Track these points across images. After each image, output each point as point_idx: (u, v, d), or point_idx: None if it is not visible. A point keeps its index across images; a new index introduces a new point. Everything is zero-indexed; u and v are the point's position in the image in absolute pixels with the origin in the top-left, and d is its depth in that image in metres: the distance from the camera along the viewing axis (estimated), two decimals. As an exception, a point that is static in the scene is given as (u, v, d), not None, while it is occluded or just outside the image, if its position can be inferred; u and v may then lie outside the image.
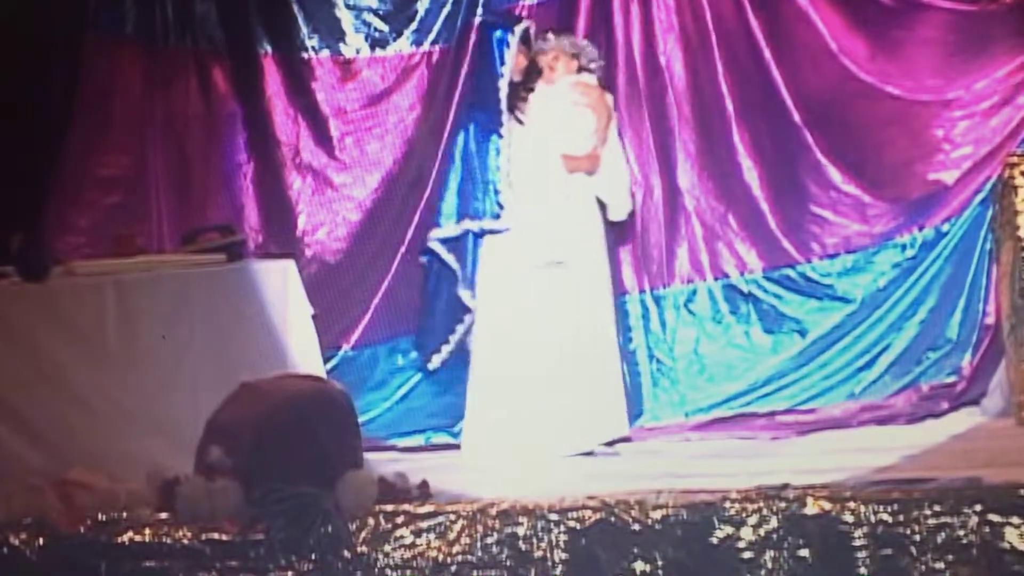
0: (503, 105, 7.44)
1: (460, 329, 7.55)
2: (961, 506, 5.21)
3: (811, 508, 5.26)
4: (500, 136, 7.43)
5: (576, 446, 7.35)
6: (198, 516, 5.44)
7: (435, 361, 7.68)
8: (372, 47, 8.19)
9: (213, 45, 8.18)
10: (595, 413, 7.42)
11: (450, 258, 7.49)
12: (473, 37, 7.99)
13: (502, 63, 7.45)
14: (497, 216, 7.42)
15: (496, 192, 7.41)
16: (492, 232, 7.44)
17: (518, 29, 7.51)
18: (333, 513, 5.38)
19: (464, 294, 7.49)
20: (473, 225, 7.46)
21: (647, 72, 8.02)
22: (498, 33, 7.49)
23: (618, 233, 7.87)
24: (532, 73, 7.58)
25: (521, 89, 7.53)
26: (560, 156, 7.50)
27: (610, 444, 7.44)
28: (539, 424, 7.33)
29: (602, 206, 7.64)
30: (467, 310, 7.51)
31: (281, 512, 5.38)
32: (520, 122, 7.51)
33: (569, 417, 7.35)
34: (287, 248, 7.87)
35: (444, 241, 7.50)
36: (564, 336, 7.40)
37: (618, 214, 7.71)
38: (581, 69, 7.68)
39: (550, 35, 7.68)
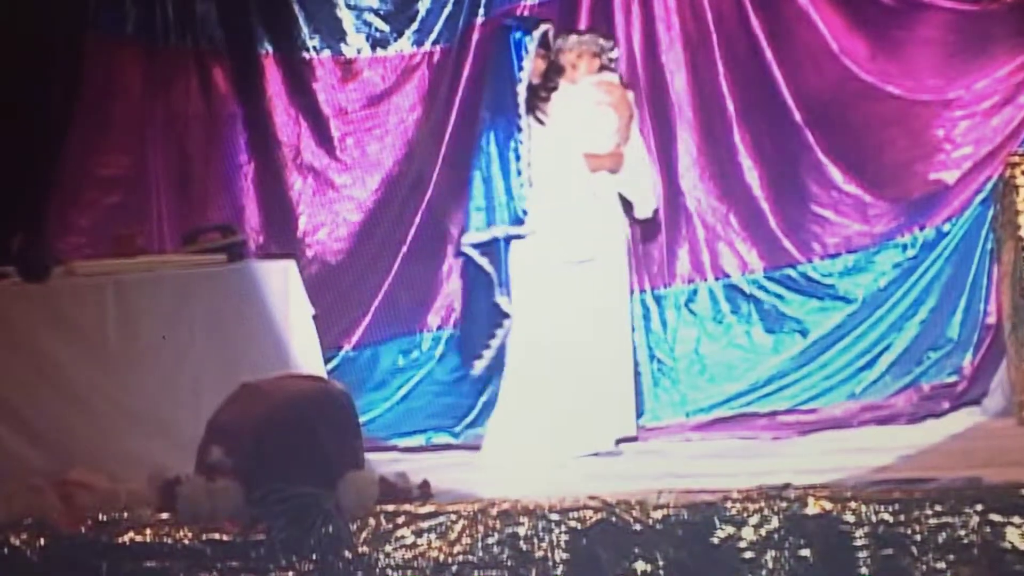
0: (522, 109, 7.40)
1: (500, 333, 7.46)
2: (962, 506, 5.21)
3: (812, 508, 5.26)
4: (520, 141, 7.40)
5: (591, 446, 7.33)
6: (199, 516, 5.44)
7: (477, 367, 7.58)
8: (373, 47, 8.19)
9: (213, 45, 8.17)
10: (609, 412, 7.41)
11: (483, 261, 7.43)
12: (475, 37, 8.01)
13: (520, 67, 7.42)
14: (520, 221, 7.37)
15: (518, 197, 7.38)
16: (517, 237, 7.41)
17: (536, 33, 7.48)
18: (334, 513, 5.38)
19: (502, 300, 7.42)
20: (499, 231, 7.42)
21: (648, 72, 8.02)
22: (516, 35, 7.45)
23: (646, 231, 7.88)
24: (553, 73, 7.55)
25: (541, 90, 7.51)
26: (583, 155, 7.48)
27: (615, 443, 7.43)
28: (560, 424, 7.29)
29: (625, 204, 7.64)
30: (505, 315, 7.42)
31: (282, 512, 5.37)
32: (541, 122, 7.48)
33: (587, 417, 7.33)
34: (288, 248, 7.87)
35: (476, 246, 7.46)
36: (587, 335, 7.37)
37: (644, 212, 7.68)
38: (603, 68, 7.67)
39: (573, 34, 7.68)
